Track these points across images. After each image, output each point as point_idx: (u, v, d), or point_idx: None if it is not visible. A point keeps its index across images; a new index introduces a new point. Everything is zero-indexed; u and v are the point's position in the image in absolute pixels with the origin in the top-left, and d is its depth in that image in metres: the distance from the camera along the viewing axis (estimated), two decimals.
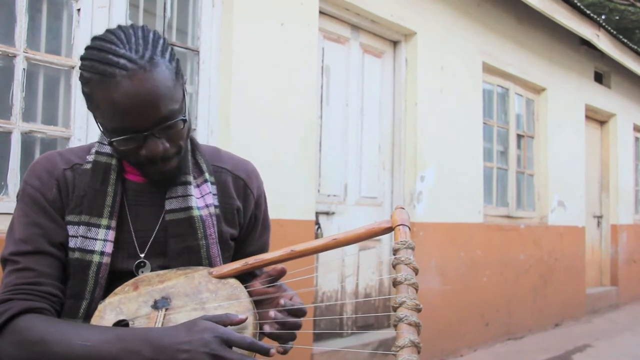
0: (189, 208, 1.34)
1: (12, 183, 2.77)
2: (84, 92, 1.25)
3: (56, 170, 1.34)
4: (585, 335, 6.59)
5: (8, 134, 2.79)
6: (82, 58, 1.24)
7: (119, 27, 1.26)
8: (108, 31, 1.25)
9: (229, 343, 1.12)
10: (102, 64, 1.19)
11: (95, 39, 1.25)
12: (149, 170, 1.31)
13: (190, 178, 1.38)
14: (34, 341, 1.18)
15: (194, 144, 1.45)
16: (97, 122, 1.29)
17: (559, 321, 7.12)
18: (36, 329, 1.19)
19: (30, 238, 1.28)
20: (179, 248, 1.34)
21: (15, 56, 2.82)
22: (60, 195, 1.32)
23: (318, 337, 4.38)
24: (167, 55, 1.25)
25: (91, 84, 1.21)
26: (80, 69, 1.24)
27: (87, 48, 1.25)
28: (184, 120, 1.28)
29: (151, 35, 1.25)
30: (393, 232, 1.29)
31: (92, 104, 1.24)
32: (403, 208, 1.33)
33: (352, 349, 4.34)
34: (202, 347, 1.10)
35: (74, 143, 2.96)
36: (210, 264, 1.36)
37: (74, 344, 1.16)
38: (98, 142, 1.38)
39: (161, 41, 1.26)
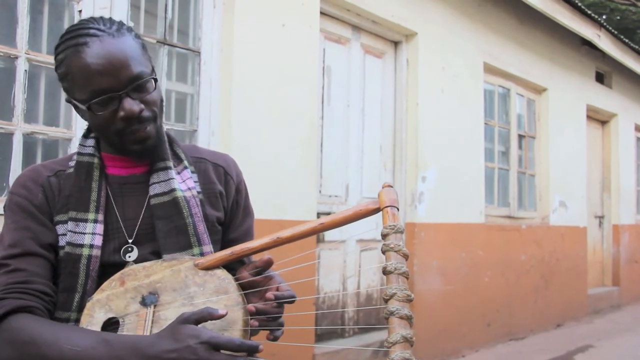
0: (173, 190, 1.38)
1: None
2: (61, 77, 1.34)
3: (40, 178, 1.38)
4: (587, 335, 6.58)
5: (10, 135, 2.80)
6: (57, 46, 1.34)
7: (89, 17, 1.39)
8: (78, 21, 1.38)
9: (217, 347, 1.12)
10: (74, 39, 1.30)
11: (67, 28, 1.36)
12: (128, 138, 1.34)
13: (171, 164, 1.43)
14: (24, 342, 1.19)
15: (170, 137, 1.50)
16: (75, 103, 1.35)
17: (560, 322, 7.11)
18: (28, 330, 1.20)
19: (20, 241, 1.31)
20: (166, 229, 1.36)
21: (16, 57, 2.82)
22: (47, 200, 1.36)
23: (320, 338, 4.38)
24: (133, 34, 1.36)
25: (66, 60, 1.30)
26: (55, 58, 1.34)
27: (61, 37, 1.35)
28: (155, 80, 1.36)
29: (117, 20, 1.38)
30: (381, 213, 1.25)
31: (69, 81, 1.32)
32: (391, 186, 1.28)
33: (354, 349, 4.33)
34: (190, 355, 1.10)
35: (75, 144, 2.96)
36: (199, 241, 1.37)
37: (63, 348, 1.17)
38: (80, 144, 1.43)
39: (125, 26, 1.37)
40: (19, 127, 2.82)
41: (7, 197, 1.38)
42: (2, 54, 2.79)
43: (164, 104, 1.45)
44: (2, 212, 1.40)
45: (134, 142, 1.35)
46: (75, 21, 3.00)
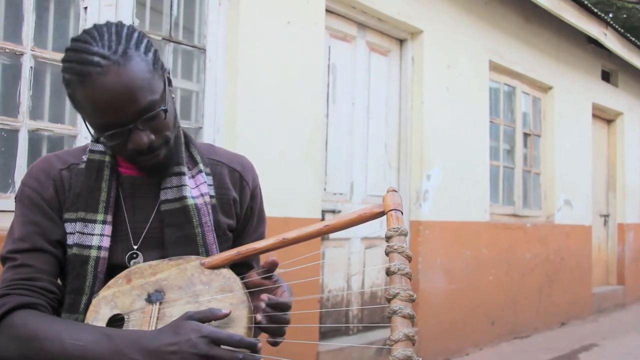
0: (184, 198, 1.36)
1: (19, 181, 2.78)
2: (68, 95, 1.27)
3: (53, 170, 1.37)
4: (592, 334, 6.58)
5: (15, 132, 2.80)
6: (62, 61, 1.26)
7: (94, 25, 1.28)
8: (84, 31, 1.27)
9: (217, 342, 1.13)
10: (78, 64, 1.21)
11: (72, 40, 1.27)
12: (140, 162, 1.33)
13: (185, 169, 1.40)
14: (27, 337, 1.20)
15: (187, 137, 1.48)
16: (84, 122, 1.30)
17: (565, 320, 7.11)
18: (30, 326, 1.21)
19: (28, 236, 1.31)
20: (175, 237, 1.36)
21: (22, 54, 2.83)
22: (57, 195, 1.35)
23: (324, 336, 4.39)
24: (142, 48, 1.26)
25: (72, 85, 1.23)
26: (62, 72, 1.26)
27: (66, 50, 1.26)
28: (165, 111, 1.28)
29: (125, 30, 1.26)
30: (385, 216, 1.27)
31: (76, 104, 1.27)
32: (395, 191, 1.30)
33: (358, 347, 4.34)
34: (190, 348, 1.12)
35: (80, 141, 2.97)
36: (207, 252, 1.37)
37: (65, 343, 1.18)
38: (91, 141, 1.41)
39: (135, 34, 1.27)
40: (24, 124, 2.82)
41: (19, 188, 1.38)
42: (7, 51, 2.80)
43: (177, 115, 1.40)
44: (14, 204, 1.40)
45: (144, 167, 1.34)
46: (81, 19, 3.01)
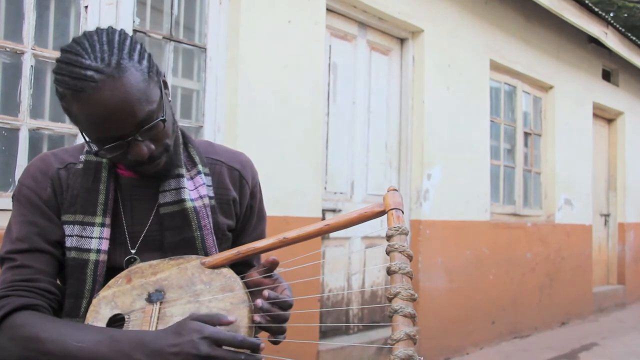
0: (182, 200, 1.36)
1: None
2: (62, 107, 1.25)
3: (50, 170, 1.36)
4: (592, 334, 6.57)
5: (16, 130, 2.80)
6: (55, 72, 1.23)
7: (84, 34, 1.25)
8: (74, 41, 1.24)
9: (218, 343, 1.13)
10: (71, 79, 1.18)
11: (63, 51, 1.24)
12: (141, 170, 1.33)
13: (183, 171, 1.39)
14: (29, 338, 1.20)
15: (185, 137, 1.46)
16: (82, 134, 1.29)
17: (565, 320, 7.10)
18: (32, 327, 1.21)
19: (27, 236, 1.30)
20: (175, 240, 1.35)
21: (23, 53, 2.83)
22: (54, 195, 1.34)
23: (324, 335, 4.38)
24: (136, 56, 1.23)
25: (66, 99, 1.21)
26: (54, 83, 1.23)
27: (57, 61, 1.23)
28: (163, 121, 1.26)
29: (116, 37, 1.23)
30: (386, 215, 1.27)
31: (72, 117, 1.25)
32: (396, 190, 1.30)
33: (358, 346, 4.34)
34: (192, 349, 1.11)
35: (80, 140, 2.96)
36: (206, 255, 1.36)
37: (68, 344, 1.17)
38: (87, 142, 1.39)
39: (127, 41, 1.24)
40: (25, 123, 2.82)
41: (16, 186, 1.37)
42: (8, 50, 2.80)
43: (175, 119, 1.37)
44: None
45: (145, 174, 1.34)
46: (82, 18, 3.01)
